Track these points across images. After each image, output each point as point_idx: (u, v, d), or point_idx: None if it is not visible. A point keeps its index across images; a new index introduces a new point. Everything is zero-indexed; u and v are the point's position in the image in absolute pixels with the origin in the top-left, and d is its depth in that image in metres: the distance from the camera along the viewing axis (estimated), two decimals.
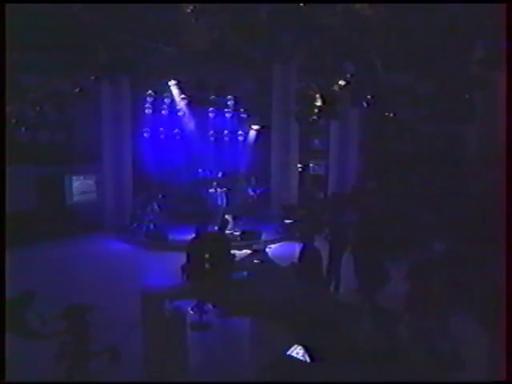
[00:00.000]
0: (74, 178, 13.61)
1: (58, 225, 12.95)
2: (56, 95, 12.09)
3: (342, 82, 11.36)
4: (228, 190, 13.23)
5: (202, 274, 6.52)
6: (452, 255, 7.48)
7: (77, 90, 11.70)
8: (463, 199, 10.73)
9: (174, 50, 12.48)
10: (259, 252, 7.78)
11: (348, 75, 11.27)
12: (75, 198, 13.64)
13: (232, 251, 7.18)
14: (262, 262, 7.14)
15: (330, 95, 11.00)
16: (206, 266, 6.74)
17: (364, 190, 13.86)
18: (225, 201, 13.04)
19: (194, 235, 7.10)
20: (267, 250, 9.30)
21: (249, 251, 8.25)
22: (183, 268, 6.75)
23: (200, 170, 15.76)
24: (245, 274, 6.57)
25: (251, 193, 14.33)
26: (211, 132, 15.77)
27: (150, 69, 13.66)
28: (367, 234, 12.00)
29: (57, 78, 11.85)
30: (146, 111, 14.91)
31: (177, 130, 15.48)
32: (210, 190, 13.50)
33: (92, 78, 11.80)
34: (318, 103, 10.99)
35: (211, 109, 15.43)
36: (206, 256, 6.76)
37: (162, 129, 15.32)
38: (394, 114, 12.73)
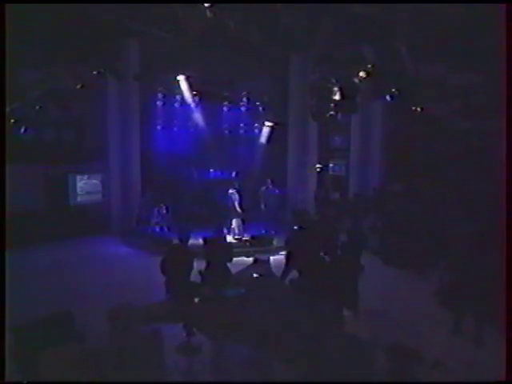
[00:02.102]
0: (79, 177, 12.92)
1: (61, 226, 12.31)
2: (57, 92, 11.48)
3: (362, 74, 10.33)
4: (239, 190, 12.26)
5: (187, 290, 5.54)
6: (491, 270, 6.31)
7: (79, 87, 11.06)
8: (503, 204, 9.40)
9: (182, 40, 11.66)
10: (261, 263, 6.75)
11: (369, 66, 10.28)
12: (79, 199, 12.96)
13: (228, 263, 6.16)
14: (261, 275, 6.12)
15: (348, 88, 9.97)
16: (193, 280, 5.76)
17: (388, 194, 12.67)
18: (236, 203, 12.08)
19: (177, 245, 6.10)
20: (274, 258, 8.32)
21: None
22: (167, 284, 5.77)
23: (211, 170, 14.85)
24: (241, 291, 5.59)
25: (265, 194, 13.31)
26: (224, 129, 14.84)
27: (157, 62, 12.92)
28: (391, 243, 10.92)
29: (57, 74, 11.21)
30: (157, 106, 14.10)
31: (187, 126, 14.56)
32: (221, 191, 12.53)
33: (94, 72, 11.18)
34: (336, 97, 9.97)
35: (225, 103, 14.51)
36: (194, 269, 5.77)
37: (172, 126, 14.48)
38: (422, 109, 11.57)
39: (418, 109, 11.67)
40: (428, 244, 10.28)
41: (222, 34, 10.21)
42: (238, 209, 11.59)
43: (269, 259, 7.24)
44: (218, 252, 6.39)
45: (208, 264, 6.15)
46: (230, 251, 6.56)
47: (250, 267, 6.65)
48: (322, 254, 7.08)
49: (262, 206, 12.91)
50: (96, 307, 5.85)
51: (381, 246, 10.74)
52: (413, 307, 7.57)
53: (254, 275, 6.16)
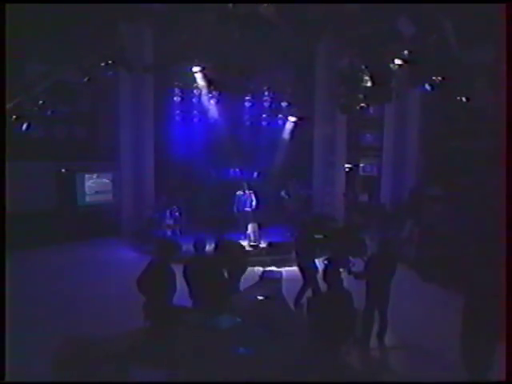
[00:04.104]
0: (87, 176, 12.09)
1: (67, 228, 11.56)
2: (62, 86, 10.68)
3: (398, 61, 8.93)
4: (255, 192, 11.16)
5: (168, 317, 4.40)
6: None
7: (85, 80, 10.22)
8: None
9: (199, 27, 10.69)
10: (270, 281, 5.53)
11: (405, 52, 8.87)
12: (88, 199, 12.15)
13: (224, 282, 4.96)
14: (268, 298, 4.91)
15: (381, 73, 8.60)
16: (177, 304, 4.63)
17: (426, 198, 11.13)
18: (254, 205, 10.99)
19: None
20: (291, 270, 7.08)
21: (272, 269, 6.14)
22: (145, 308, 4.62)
23: (231, 170, 13.76)
24: (237, 319, 4.42)
25: (287, 196, 12.13)
26: (244, 125, 13.72)
27: (172, 51, 11.94)
28: (430, 256, 9.45)
29: (61, 67, 10.42)
30: (174, 101, 13.18)
31: (205, 123, 13.53)
32: (238, 193, 11.42)
33: (102, 64, 10.30)
34: (367, 84, 8.63)
35: (246, 98, 13.39)
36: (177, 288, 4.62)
37: (189, 123, 13.50)
38: (468, 100, 10.01)
39: (463, 99, 10.18)
40: (475, 258, 8.74)
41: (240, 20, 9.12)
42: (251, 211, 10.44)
43: (281, 276, 5.97)
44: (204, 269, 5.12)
45: (198, 282, 4.96)
46: (221, 267, 5.23)
47: (255, 286, 5.42)
48: (345, 270, 5.82)
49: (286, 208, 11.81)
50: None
51: (418, 259, 9.29)
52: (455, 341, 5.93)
53: (259, 297, 4.96)
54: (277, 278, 5.79)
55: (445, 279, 8.29)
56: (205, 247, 5.07)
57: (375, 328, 5.91)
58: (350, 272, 5.77)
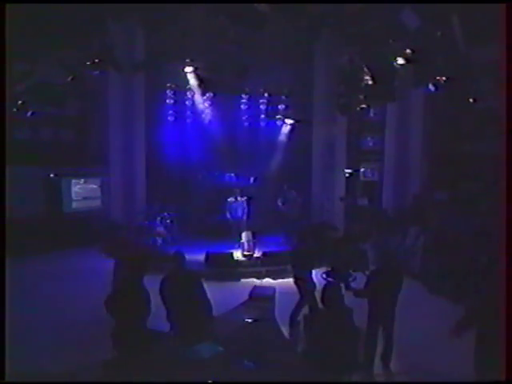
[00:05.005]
0: (74, 181, 11.50)
1: (52, 236, 10.93)
2: (44, 86, 10.11)
3: (401, 61, 8.38)
4: (249, 198, 10.58)
5: (139, 344, 3.77)
6: None
7: (70, 79, 9.66)
8: None
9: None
10: (261, 300, 4.89)
11: (408, 51, 8.32)
12: (74, 205, 11.53)
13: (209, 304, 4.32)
14: (257, 321, 4.29)
15: (383, 70, 8.05)
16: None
17: (431, 204, 10.51)
18: (246, 212, 10.44)
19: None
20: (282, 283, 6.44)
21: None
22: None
23: (226, 175, 13.17)
24: (219, 349, 3.81)
25: (283, 203, 11.53)
26: (240, 127, 13.18)
27: (163, 50, 11.39)
28: (438, 265, 8.80)
29: (44, 66, 9.85)
30: (166, 103, 12.62)
31: (200, 125, 12.96)
32: (230, 199, 10.82)
33: (88, 63, 9.73)
34: (367, 82, 8.07)
35: (241, 99, 12.83)
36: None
37: (183, 125, 12.93)
38: (475, 101, 9.47)
39: (470, 100, 9.63)
40: (485, 267, 8.12)
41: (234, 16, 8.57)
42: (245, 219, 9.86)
43: (274, 293, 5.31)
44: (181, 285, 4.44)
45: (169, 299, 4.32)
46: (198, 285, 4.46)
47: (243, 306, 4.77)
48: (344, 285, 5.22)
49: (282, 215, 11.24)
50: None
51: (424, 269, 8.67)
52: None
53: (247, 320, 4.33)
54: (269, 296, 5.13)
55: (455, 291, 7.64)
56: (185, 260, 4.44)
57: (379, 350, 5.29)
58: (347, 287, 5.16)
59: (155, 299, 4.14)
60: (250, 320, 4.31)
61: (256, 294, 5.08)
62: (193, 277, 4.24)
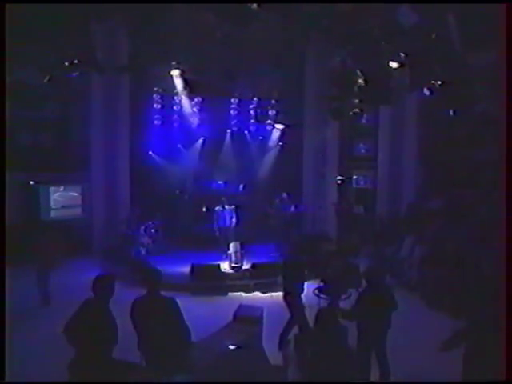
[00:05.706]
0: (53, 188, 10.91)
1: (28, 247, 10.28)
2: (20, 87, 9.58)
3: (393, 64, 8.06)
4: (237, 207, 10.12)
5: (105, 375, 3.25)
6: None
7: (46, 80, 9.12)
8: None
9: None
10: (247, 321, 4.38)
11: (402, 54, 8.01)
12: (53, 214, 10.94)
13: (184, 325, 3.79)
14: (241, 348, 3.78)
15: (376, 75, 7.69)
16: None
17: (427, 212, 10.22)
18: (234, 221, 9.97)
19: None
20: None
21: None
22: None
23: (214, 182, 12.73)
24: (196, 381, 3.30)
25: (274, 211, 11.10)
26: (228, 133, 12.75)
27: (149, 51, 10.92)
28: (435, 277, 8.35)
29: (20, 66, 9.32)
30: (153, 107, 12.17)
31: (187, 130, 12.51)
32: (217, 208, 10.33)
33: (66, 63, 9.22)
34: (360, 84, 7.69)
35: (230, 104, 12.42)
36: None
37: (169, 130, 12.47)
38: (454, 113, 9.20)
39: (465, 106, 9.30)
40: (481, 277, 7.71)
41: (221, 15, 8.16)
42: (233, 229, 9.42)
43: (262, 313, 4.78)
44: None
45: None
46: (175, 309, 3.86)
47: (225, 330, 4.24)
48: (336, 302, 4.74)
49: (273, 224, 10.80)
50: None
51: (421, 281, 8.23)
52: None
53: (230, 347, 3.81)
54: (256, 318, 4.60)
55: (455, 305, 7.18)
56: (161, 279, 3.93)
57: (375, 375, 4.80)
58: (336, 307, 4.68)
59: (123, 324, 3.61)
60: (233, 347, 3.80)
61: (242, 314, 4.54)
62: (169, 299, 3.73)
